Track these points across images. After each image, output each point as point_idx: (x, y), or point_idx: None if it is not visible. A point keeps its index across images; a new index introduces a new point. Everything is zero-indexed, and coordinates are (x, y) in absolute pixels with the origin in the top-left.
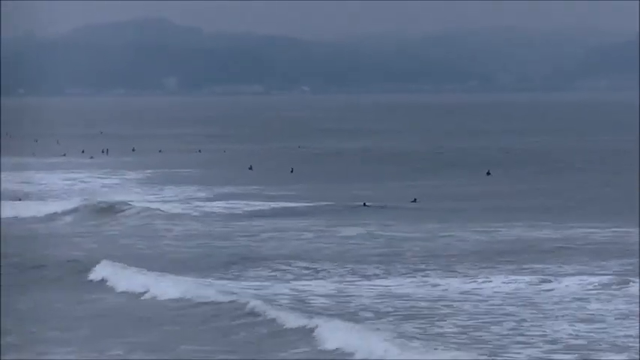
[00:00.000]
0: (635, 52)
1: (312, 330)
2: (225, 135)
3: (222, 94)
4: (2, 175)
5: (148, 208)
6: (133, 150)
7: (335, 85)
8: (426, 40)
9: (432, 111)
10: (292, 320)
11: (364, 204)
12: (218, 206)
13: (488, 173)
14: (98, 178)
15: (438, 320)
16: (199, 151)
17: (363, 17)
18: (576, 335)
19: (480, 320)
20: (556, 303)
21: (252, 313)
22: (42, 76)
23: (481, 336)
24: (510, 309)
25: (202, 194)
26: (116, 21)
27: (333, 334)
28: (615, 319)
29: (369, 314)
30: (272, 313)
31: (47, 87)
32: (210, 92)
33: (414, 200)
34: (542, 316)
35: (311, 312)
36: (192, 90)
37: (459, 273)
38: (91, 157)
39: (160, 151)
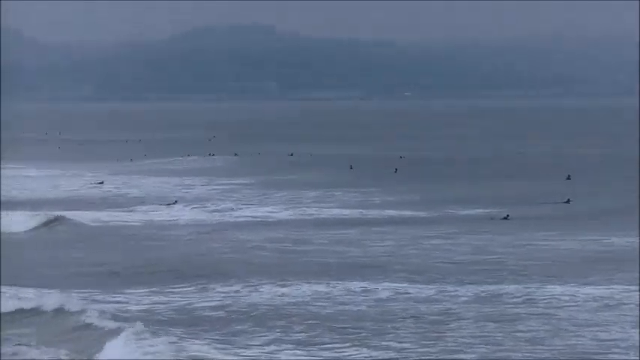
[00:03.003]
0: None
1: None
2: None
3: (316, 99)
4: None
5: (82, 223)
6: (236, 155)
7: (435, 89)
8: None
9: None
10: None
11: (507, 216)
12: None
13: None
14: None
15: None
16: (291, 154)
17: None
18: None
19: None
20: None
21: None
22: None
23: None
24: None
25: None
26: (213, 25)
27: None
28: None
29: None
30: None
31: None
32: (306, 97)
33: (568, 201)
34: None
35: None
36: (288, 93)
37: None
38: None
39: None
